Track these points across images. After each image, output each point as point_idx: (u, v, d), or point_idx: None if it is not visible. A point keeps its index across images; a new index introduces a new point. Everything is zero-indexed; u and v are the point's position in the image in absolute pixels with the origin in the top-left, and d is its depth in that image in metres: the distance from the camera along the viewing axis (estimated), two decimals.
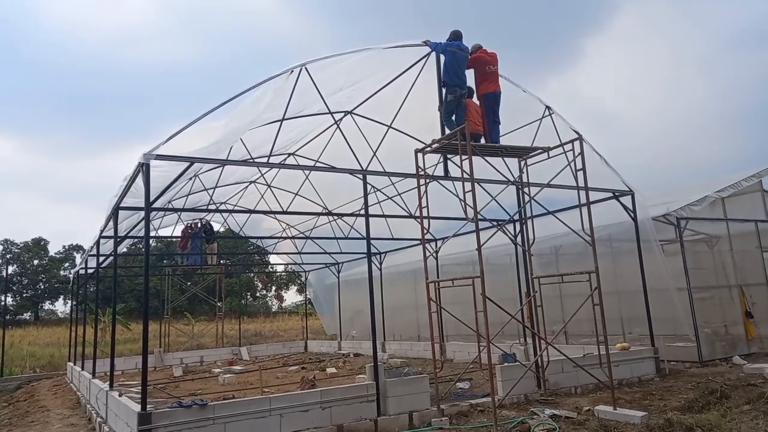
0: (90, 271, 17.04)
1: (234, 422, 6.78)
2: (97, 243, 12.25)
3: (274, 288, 60.94)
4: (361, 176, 8.73)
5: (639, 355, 10.51)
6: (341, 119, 11.14)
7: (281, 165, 9.66)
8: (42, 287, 54.82)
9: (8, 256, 54.01)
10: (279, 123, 9.17)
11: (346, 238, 16.15)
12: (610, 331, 11.47)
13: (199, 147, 7.38)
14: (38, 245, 55.21)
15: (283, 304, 60.32)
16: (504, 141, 9.33)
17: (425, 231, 8.46)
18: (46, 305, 58.18)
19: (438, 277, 15.39)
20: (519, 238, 11.15)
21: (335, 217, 14.87)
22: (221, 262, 26.94)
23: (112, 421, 8.31)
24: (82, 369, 14.06)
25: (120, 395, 8.17)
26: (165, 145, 7.07)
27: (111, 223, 10.24)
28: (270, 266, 40.14)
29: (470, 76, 9.00)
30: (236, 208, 17.72)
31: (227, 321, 31.29)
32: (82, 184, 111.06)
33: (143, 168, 7.03)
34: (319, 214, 15.00)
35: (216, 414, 6.73)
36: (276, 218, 18.24)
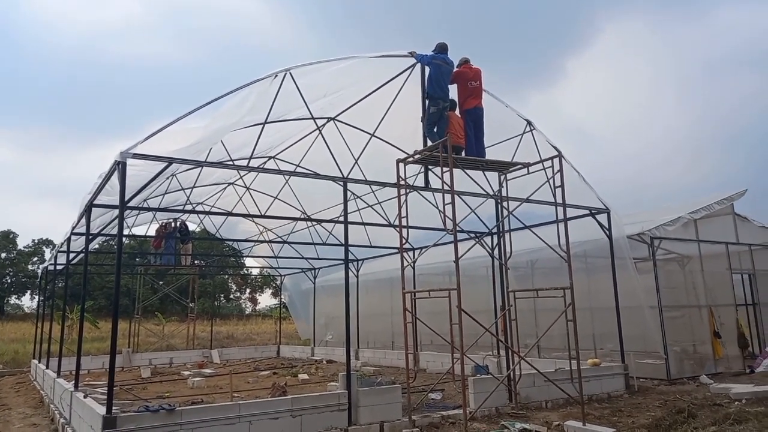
0: (59, 267, 16.67)
1: (202, 428, 6.66)
2: (68, 240, 12.00)
3: (248, 290, 60.35)
4: (341, 183, 8.69)
5: (609, 371, 10.63)
6: (324, 125, 11.11)
7: (261, 169, 9.57)
8: (9, 281, 53.46)
9: None
10: (261, 126, 9.09)
11: (324, 244, 16.08)
12: (582, 347, 11.58)
13: (179, 147, 7.27)
14: (6, 238, 53.85)
15: (257, 307, 59.84)
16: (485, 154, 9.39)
17: (404, 241, 8.46)
18: (12, 300, 56.79)
19: (415, 287, 15.41)
20: (496, 251, 11.23)
21: (314, 223, 14.77)
22: (195, 262, 26.58)
23: (75, 422, 8.11)
24: (47, 367, 13.71)
25: (85, 396, 7.98)
26: (143, 144, 6.95)
27: (83, 220, 10.04)
28: (245, 269, 39.81)
29: (454, 89, 9.06)
30: (213, 209, 17.51)
31: (199, 322, 30.84)
32: (54, 179, 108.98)
33: (119, 166, 6.90)
34: (297, 219, 14.90)
35: (183, 419, 6.60)
36: (254, 221, 18.05)
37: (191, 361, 20.90)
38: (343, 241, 8.89)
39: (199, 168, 12.65)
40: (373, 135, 10.74)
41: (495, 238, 11.75)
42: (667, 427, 7.18)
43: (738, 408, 7.63)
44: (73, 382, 9.36)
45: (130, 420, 6.35)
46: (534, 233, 9.11)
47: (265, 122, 9.21)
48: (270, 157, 13.82)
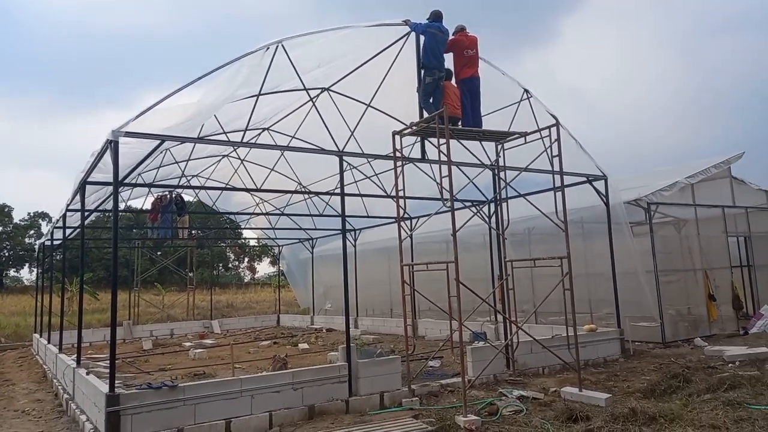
0: (57, 242, 16.64)
1: (204, 403, 6.74)
2: (64, 216, 11.93)
3: (246, 259, 60.61)
4: (337, 157, 8.61)
5: (605, 336, 10.78)
6: (317, 96, 10.95)
7: (255, 144, 9.50)
8: (6, 255, 53.52)
9: None
10: (254, 99, 8.95)
11: (321, 215, 16.05)
12: (578, 311, 11.74)
13: (171, 124, 7.16)
14: (2, 212, 53.70)
15: (256, 276, 60.20)
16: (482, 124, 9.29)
17: (402, 212, 8.43)
18: (11, 273, 56.97)
19: (413, 256, 15.43)
20: (493, 220, 11.24)
21: (310, 196, 14.69)
22: (193, 233, 26.54)
23: (79, 399, 8.21)
24: (48, 342, 13.84)
25: (87, 373, 8.06)
26: (135, 121, 6.84)
27: (78, 197, 9.97)
28: (243, 239, 39.86)
29: (449, 59, 8.90)
30: (209, 181, 17.41)
31: (198, 292, 31.04)
32: (48, 150, 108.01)
33: (111, 145, 6.80)
34: (294, 192, 14.84)
35: (186, 395, 6.68)
36: (250, 194, 17.98)
37: (192, 331, 21.11)
38: (340, 212, 8.86)
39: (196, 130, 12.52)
40: (369, 105, 10.60)
41: (492, 206, 11.75)
42: (662, 392, 7.31)
43: (732, 372, 7.77)
44: (75, 357, 9.47)
45: (133, 397, 6.42)
46: (531, 203, 9.08)
47: (259, 94, 9.07)
48: (264, 129, 13.66)
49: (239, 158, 14.95)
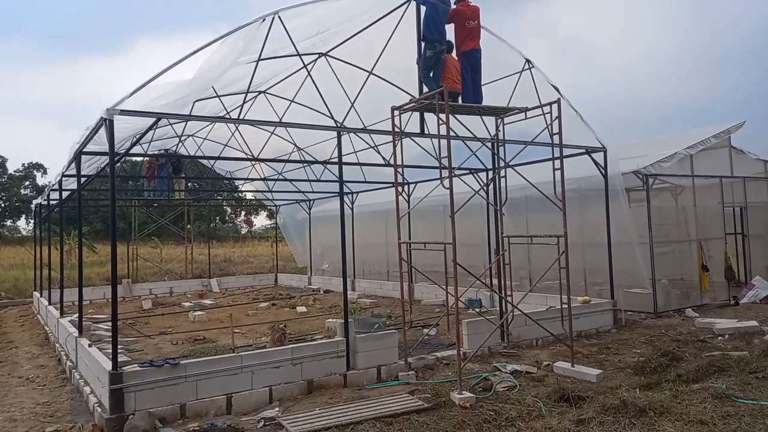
0: (53, 202, 16.59)
1: (206, 379, 6.89)
2: (60, 182, 11.86)
3: (243, 213, 60.70)
4: (336, 131, 8.50)
5: (599, 308, 10.97)
6: (314, 62, 10.72)
7: (251, 121, 9.33)
8: (2, 206, 53.43)
9: None
10: (254, 64, 8.72)
11: (319, 180, 15.97)
12: (573, 280, 11.91)
13: (167, 101, 7.03)
14: None
15: (253, 229, 60.46)
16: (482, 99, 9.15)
17: (400, 191, 8.40)
18: (8, 223, 57.00)
19: (410, 221, 15.50)
20: (491, 190, 11.24)
21: (309, 164, 14.57)
22: (189, 185, 26.34)
23: (83, 368, 8.38)
24: (49, 303, 14.00)
25: (90, 345, 8.20)
26: (129, 99, 6.71)
27: (74, 165, 9.89)
28: (239, 192, 39.75)
29: (450, 30, 8.67)
30: (205, 141, 17.22)
31: (196, 245, 31.20)
32: (40, 98, 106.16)
33: (106, 123, 6.69)
34: (292, 161, 14.73)
35: (188, 372, 6.82)
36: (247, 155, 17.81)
37: (191, 290, 21.34)
38: (337, 178, 8.80)
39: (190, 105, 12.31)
40: (371, 73, 10.37)
41: (490, 173, 11.71)
42: (652, 369, 7.50)
43: (721, 354, 7.94)
44: (77, 323, 9.61)
45: (136, 375, 6.55)
46: (530, 183, 8.98)
47: (259, 59, 8.82)
48: (261, 92, 13.44)
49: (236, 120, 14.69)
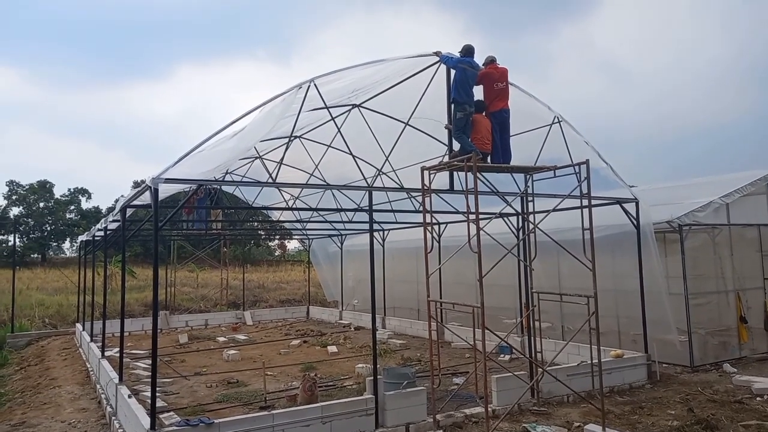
0: (98, 237, 17.31)
1: None
2: (105, 228, 12.42)
3: (277, 237, 61.52)
4: (366, 193, 8.76)
5: (632, 362, 10.80)
6: (347, 113, 11.01)
7: (281, 185, 9.76)
8: (48, 229, 55.52)
9: (14, 197, 54.44)
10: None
11: (351, 221, 16.25)
12: (604, 329, 11.76)
13: (208, 169, 7.39)
14: (44, 188, 55.58)
15: (286, 252, 61.18)
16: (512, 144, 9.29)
17: (428, 249, 8.53)
18: (53, 244, 59.14)
19: (440, 258, 15.56)
20: (520, 234, 11.28)
21: (342, 208, 14.84)
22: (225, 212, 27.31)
23: (122, 417, 8.69)
24: (91, 339, 14.56)
25: (129, 396, 8.53)
26: (173, 168, 7.09)
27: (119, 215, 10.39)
28: (274, 221, 40.47)
29: (479, 90, 8.90)
30: (244, 178, 17.76)
31: (231, 269, 31.93)
32: (84, 119, 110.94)
33: (151, 190, 7.08)
34: (325, 210, 15.06)
35: (222, 430, 7.06)
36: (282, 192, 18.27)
37: (225, 322, 21.82)
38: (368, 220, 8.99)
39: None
40: (407, 124, 10.59)
41: (519, 219, 11.73)
42: None
43: (757, 422, 7.76)
44: (118, 369, 10.01)
45: None
46: (560, 245, 9.04)
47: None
48: (296, 137, 13.81)
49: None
